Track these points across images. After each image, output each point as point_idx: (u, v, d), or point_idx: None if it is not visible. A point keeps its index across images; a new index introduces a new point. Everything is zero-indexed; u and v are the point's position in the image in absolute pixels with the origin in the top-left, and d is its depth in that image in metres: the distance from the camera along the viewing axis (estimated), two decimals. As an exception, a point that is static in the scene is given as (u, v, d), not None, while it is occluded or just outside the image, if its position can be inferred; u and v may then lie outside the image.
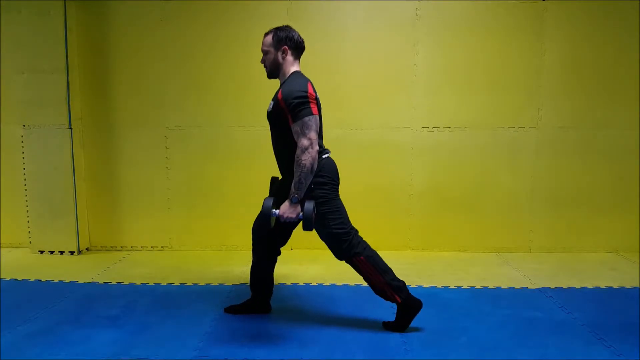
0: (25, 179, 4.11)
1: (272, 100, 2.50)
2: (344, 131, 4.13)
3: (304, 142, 2.34)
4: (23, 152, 4.08)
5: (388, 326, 2.68)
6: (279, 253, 2.82)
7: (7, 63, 4.06)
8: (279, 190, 2.63)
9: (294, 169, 2.38)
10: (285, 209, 2.38)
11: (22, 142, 4.06)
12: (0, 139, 4.22)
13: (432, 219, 4.22)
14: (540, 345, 2.53)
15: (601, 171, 4.14)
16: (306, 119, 2.35)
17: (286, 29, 2.55)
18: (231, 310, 2.92)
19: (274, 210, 2.40)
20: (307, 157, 2.34)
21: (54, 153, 4.02)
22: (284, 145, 2.50)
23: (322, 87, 4.05)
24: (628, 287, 3.38)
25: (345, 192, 4.09)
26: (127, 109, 4.15)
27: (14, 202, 4.25)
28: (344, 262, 2.63)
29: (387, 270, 2.60)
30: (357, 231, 2.62)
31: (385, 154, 4.14)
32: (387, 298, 2.60)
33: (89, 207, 4.25)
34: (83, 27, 4.06)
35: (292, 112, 2.37)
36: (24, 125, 4.03)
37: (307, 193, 2.43)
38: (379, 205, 4.20)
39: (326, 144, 4.05)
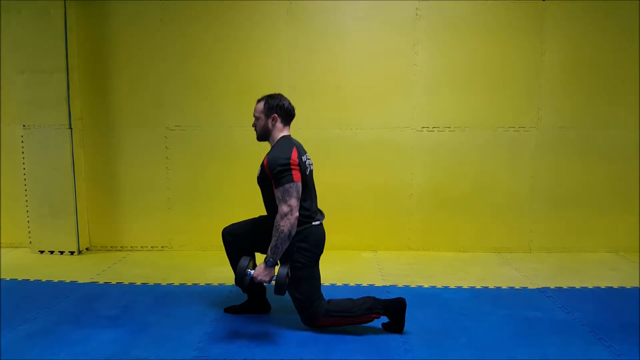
0: (25, 179, 4.11)
1: (260, 166, 2.57)
2: (344, 131, 4.13)
3: (284, 208, 2.42)
4: (23, 152, 4.08)
5: (387, 327, 2.68)
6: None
7: (7, 63, 4.06)
8: (260, 230, 2.70)
9: (272, 233, 2.44)
10: (260, 271, 2.45)
11: (22, 142, 4.06)
12: (0, 139, 4.22)
13: (432, 219, 4.22)
14: (540, 345, 2.53)
15: (601, 171, 4.14)
16: (287, 185, 2.42)
17: (277, 97, 2.64)
18: (231, 310, 2.93)
19: (249, 270, 2.47)
20: (286, 224, 2.41)
21: (54, 153, 4.02)
22: (273, 207, 2.55)
23: (322, 87, 4.08)
24: (628, 287, 3.38)
25: (346, 192, 4.13)
26: (127, 109, 4.15)
27: (14, 202, 4.25)
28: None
29: (350, 307, 2.61)
30: (322, 299, 2.64)
31: (385, 154, 4.14)
32: (371, 321, 2.64)
33: (89, 207, 4.25)
34: (83, 27, 4.06)
35: (274, 178, 2.46)
36: (24, 125, 4.03)
37: (288, 256, 2.50)
38: (379, 205, 4.20)
39: (327, 143, 4.09)
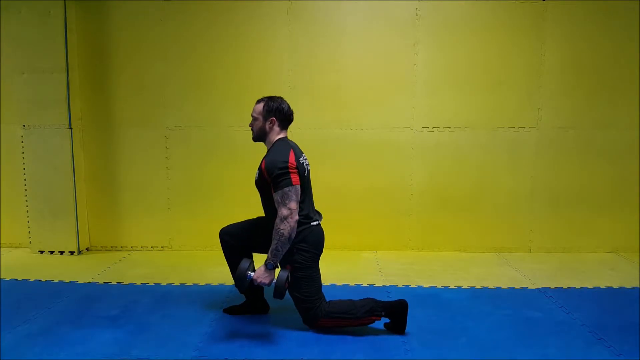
0: (25, 179, 4.11)
1: (258, 169, 2.59)
2: (344, 131, 4.13)
3: (284, 211, 2.42)
4: (23, 152, 4.08)
5: (389, 327, 2.68)
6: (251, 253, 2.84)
7: (7, 63, 4.06)
8: (258, 230, 2.73)
9: (272, 236, 2.45)
10: (260, 274, 2.47)
11: (22, 142, 4.06)
12: (0, 139, 4.22)
13: (432, 219, 4.22)
14: (540, 345, 2.53)
15: (601, 171, 4.14)
16: (286, 189, 2.44)
17: (278, 100, 2.65)
18: (230, 311, 2.92)
19: (249, 272, 2.48)
20: (286, 227, 2.42)
21: (54, 153, 4.02)
22: (272, 210, 2.57)
23: (322, 87, 4.08)
24: (628, 287, 3.38)
25: (346, 192, 4.14)
26: (127, 109, 4.15)
27: (14, 202, 4.25)
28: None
29: (351, 308, 2.60)
30: (323, 299, 2.64)
31: (385, 154, 4.14)
32: (372, 322, 2.64)
33: (89, 207, 4.25)
34: (83, 27, 4.06)
35: (273, 182, 2.47)
36: (24, 125, 4.03)
37: (288, 256, 2.52)
38: (379, 205, 4.19)
39: (327, 144, 4.09)
